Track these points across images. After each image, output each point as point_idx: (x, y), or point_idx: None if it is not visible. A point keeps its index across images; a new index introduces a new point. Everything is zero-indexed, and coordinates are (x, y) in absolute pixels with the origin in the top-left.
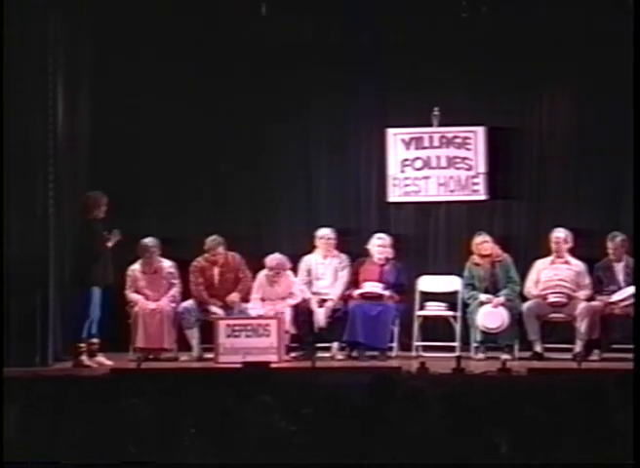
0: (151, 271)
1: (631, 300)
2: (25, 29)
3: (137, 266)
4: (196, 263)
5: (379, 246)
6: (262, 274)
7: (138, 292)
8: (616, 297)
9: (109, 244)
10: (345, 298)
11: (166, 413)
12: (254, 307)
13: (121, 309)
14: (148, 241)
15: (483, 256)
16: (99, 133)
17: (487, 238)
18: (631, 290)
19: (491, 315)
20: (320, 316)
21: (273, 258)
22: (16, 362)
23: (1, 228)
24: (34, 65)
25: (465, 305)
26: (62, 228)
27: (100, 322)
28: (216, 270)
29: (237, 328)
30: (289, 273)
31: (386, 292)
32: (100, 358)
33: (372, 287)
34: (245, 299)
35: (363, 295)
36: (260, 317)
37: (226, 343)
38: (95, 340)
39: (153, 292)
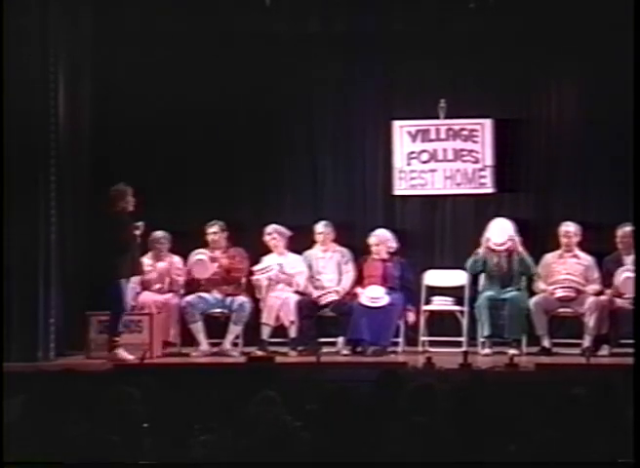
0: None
1: None
2: (26, 19)
3: (146, 260)
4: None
5: (374, 244)
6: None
7: (145, 284)
8: None
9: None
10: (350, 297)
11: (169, 409)
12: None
13: None
14: (159, 234)
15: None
16: (100, 123)
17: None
18: None
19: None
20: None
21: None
22: (17, 357)
23: (2, 221)
24: (35, 55)
25: (472, 300)
26: (64, 222)
27: None
28: (217, 253)
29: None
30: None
31: (388, 299)
32: (122, 352)
33: (374, 298)
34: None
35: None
36: (132, 313)
37: (98, 339)
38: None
39: (161, 286)
